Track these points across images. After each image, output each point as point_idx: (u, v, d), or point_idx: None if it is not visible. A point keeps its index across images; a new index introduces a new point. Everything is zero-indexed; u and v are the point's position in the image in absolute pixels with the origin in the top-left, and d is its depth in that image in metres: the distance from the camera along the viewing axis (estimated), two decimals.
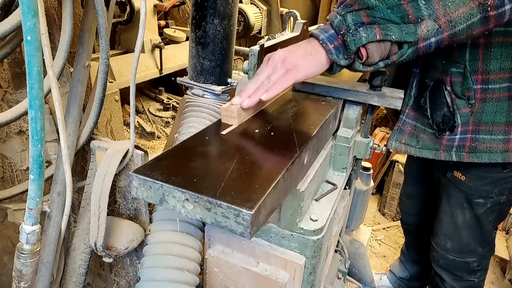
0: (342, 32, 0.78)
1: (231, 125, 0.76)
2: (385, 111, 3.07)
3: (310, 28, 0.99)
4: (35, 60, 0.66)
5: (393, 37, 0.76)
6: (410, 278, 1.89)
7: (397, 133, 1.29)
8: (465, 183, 1.25)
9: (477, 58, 1.04)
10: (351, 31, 0.76)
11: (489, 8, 0.77)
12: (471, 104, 1.09)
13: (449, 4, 0.76)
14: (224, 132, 0.73)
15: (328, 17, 0.83)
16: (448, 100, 1.12)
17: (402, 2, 0.75)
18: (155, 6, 2.61)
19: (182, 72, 2.39)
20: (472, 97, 1.08)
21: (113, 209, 1.18)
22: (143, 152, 1.06)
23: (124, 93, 2.23)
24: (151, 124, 2.91)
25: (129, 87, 0.96)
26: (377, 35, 0.76)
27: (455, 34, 0.78)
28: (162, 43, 2.52)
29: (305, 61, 0.80)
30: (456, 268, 1.42)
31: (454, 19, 0.76)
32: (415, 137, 1.25)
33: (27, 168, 1.28)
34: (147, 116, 2.96)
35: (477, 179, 1.23)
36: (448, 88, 1.11)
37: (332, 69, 0.84)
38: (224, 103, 0.97)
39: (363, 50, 0.78)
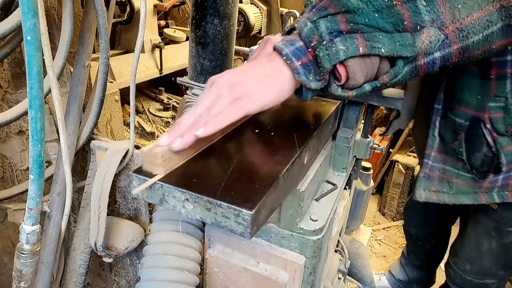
0: (313, 45, 0.56)
1: (156, 174, 0.55)
2: (385, 111, 3.05)
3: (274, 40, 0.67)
4: (35, 60, 0.66)
5: (383, 50, 0.56)
6: (409, 282, 1.88)
7: (424, 181, 1.10)
8: (497, 212, 1.15)
9: None
10: (324, 42, 0.56)
11: None
12: None
13: (459, 6, 0.56)
14: (135, 192, 0.55)
15: (296, 25, 0.60)
16: (489, 139, 0.96)
17: (394, 2, 0.56)
18: (155, 6, 2.61)
19: (182, 72, 2.39)
20: None
21: (113, 209, 1.18)
22: None
23: (124, 93, 2.23)
24: (151, 124, 2.91)
25: (129, 87, 0.96)
26: (360, 48, 0.55)
27: (467, 47, 0.59)
28: (162, 43, 2.52)
29: (260, 86, 0.58)
30: None
31: (466, 27, 0.57)
32: (446, 182, 1.09)
33: (27, 168, 1.28)
34: (147, 116, 2.96)
35: (511, 208, 1.13)
36: (488, 126, 0.95)
37: (302, 94, 0.62)
38: None
39: (341, 68, 0.58)
